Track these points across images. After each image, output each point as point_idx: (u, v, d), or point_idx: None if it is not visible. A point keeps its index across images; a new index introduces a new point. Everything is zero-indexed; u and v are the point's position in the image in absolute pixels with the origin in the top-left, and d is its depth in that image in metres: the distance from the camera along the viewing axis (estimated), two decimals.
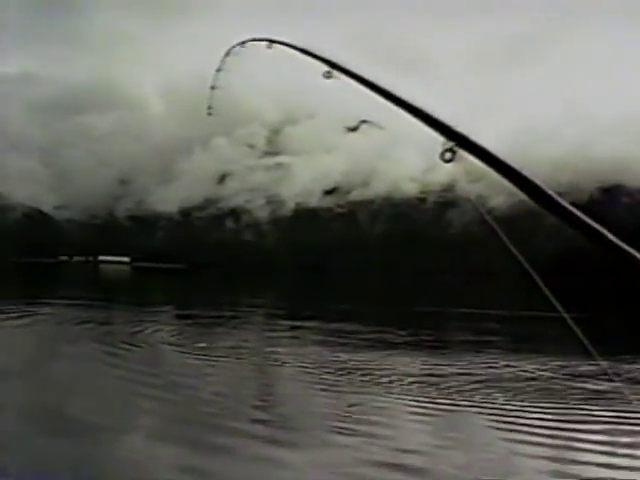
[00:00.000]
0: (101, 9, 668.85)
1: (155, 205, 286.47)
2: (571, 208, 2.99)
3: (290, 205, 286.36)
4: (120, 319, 37.50)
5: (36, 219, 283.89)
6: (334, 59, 4.13)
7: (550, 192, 3.03)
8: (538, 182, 3.11)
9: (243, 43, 5.31)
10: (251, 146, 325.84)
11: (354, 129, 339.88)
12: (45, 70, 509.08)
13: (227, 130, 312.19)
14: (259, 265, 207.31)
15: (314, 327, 31.97)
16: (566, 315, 3.27)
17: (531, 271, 3.45)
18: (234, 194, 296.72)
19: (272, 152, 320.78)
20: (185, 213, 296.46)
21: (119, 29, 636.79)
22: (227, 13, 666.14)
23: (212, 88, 6.07)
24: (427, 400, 15.72)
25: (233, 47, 5.45)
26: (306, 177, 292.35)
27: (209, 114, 6.15)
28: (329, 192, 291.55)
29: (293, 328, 32.22)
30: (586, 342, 3.24)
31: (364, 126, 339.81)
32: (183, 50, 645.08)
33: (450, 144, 3.51)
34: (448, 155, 3.44)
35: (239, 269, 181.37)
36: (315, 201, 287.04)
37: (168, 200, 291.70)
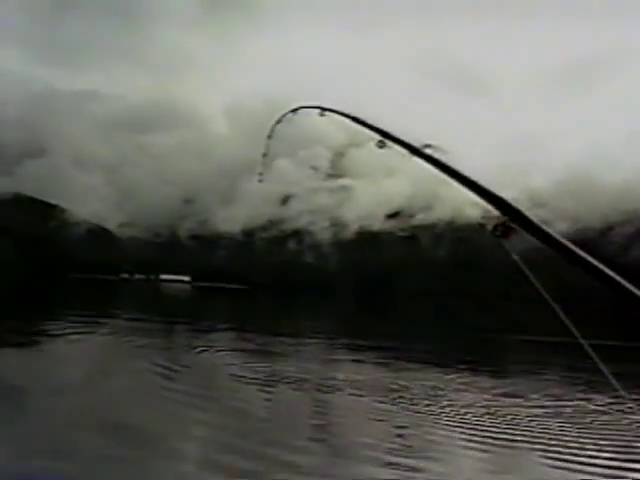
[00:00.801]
0: (166, 27, 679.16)
1: (218, 225, 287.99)
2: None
3: (353, 228, 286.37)
4: (179, 338, 37.63)
5: (100, 236, 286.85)
6: (385, 128, 4.10)
7: (617, 278, 2.91)
8: (600, 264, 2.97)
9: (294, 110, 5.33)
10: (315, 168, 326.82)
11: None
12: (110, 88, 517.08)
13: (291, 152, 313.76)
14: (321, 287, 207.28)
15: (374, 353, 31.73)
16: (584, 341, 3.20)
17: (550, 300, 3.37)
18: (297, 215, 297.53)
19: (335, 175, 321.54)
20: (248, 233, 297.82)
21: (184, 47, 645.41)
22: (294, 32, 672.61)
23: (263, 155, 6.12)
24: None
25: (284, 115, 5.47)
26: (369, 200, 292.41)
27: (260, 181, 6.17)
28: (392, 216, 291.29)
29: (353, 350, 32.05)
30: (605, 370, 3.13)
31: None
32: (248, 69, 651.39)
33: (503, 218, 3.32)
34: (500, 230, 3.22)
35: (300, 290, 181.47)
36: (378, 224, 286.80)
37: (231, 220, 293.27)
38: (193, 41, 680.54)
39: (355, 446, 13.30)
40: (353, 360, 27.80)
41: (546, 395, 21.30)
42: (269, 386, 20.63)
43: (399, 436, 14.37)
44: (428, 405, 17.76)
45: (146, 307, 74.79)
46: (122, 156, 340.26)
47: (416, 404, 17.92)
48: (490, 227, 3.35)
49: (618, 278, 2.91)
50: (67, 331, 33.17)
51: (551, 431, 15.87)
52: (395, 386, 21.00)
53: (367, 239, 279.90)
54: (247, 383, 21.09)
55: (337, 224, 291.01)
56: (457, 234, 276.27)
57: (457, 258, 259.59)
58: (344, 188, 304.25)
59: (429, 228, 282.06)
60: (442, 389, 20.84)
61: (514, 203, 3.32)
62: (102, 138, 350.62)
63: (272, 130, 5.31)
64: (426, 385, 21.17)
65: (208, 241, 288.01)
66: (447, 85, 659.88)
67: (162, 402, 17.51)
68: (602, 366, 3.08)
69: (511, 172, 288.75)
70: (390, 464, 12.14)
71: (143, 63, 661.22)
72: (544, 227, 3.15)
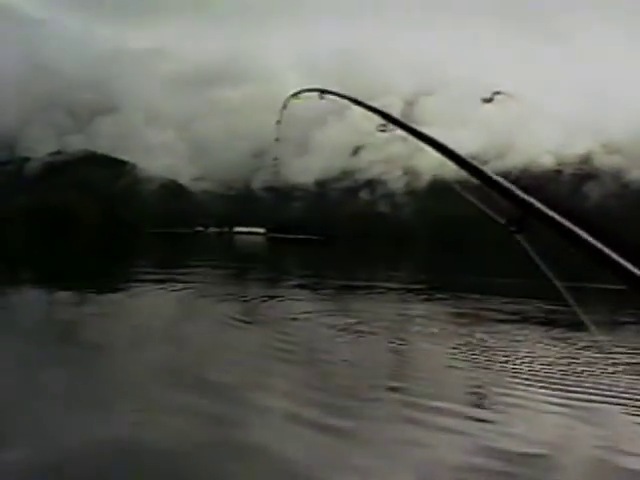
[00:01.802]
0: None
1: (291, 177, 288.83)
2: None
3: (426, 177, 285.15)
4: (254, 288, 37.81)
5: (173, 191, 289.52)
6: (387, 111, 3.92)
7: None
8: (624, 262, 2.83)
9: (296, 95, 5.31)
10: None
11: (489, 100, 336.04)
12: (182, 44, 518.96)
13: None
14: (395, 236, 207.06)
15: (449, 303, 31.45)
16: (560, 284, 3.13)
17: (546, 271, 3.18)
18: (369, 165, 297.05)
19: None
20: (321, 184, 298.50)
21: (253, 2, 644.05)
22: None
23: (276, 140, 6.02)
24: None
25: (287, 100, 5.42)
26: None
27: (275, 166, 6.08)
28: None
29: (426, 301, 31.88)
30: (584, 317, 3.04)
31: (499, 97, 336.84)
32: (320, 22, 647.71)
33: (518, 212, 3.13)
34: (515, 224, 3.05)
35: (374, 241, 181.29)
36: (451, 173, 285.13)
37: (304, 171, 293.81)
38: None
39: (430, 397, 13.23)
40: (428, 312, 27.54)
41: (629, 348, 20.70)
42: (347, 333, 20.58)
43: (475, 388, 14.24)
44: (506, 358, 17.50)
45: (221, 258, 75.37)
46: (193, 111, 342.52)
47: (493, 357, 17.71)
48: (504, 221, 3.12)
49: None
50: (146, 286, 33.53)
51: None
52: (471, 338, 20.78)
53: (441, 188, 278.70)
54: (326, 331, 21.09)
55: (410, 173, 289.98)
56: (531, 182, 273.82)
57: None
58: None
59: (503, 176, 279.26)
60: (520, 341, 20.48)
61: (527, 197, 3.13)
62: (172, 94, 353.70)
63: (281, 115, 5.24)
64: (506, 338, 20.85)
65: (281, 193, 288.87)
66: (526, 32, 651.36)
67: (238, 354, 17.60)
68: (578, 310, 3.08)
69: (587, 119, 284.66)
70: (464, 416, 12.08)
71: (210, 17, 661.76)
72: (560, 220, 3.01)
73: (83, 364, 15.25)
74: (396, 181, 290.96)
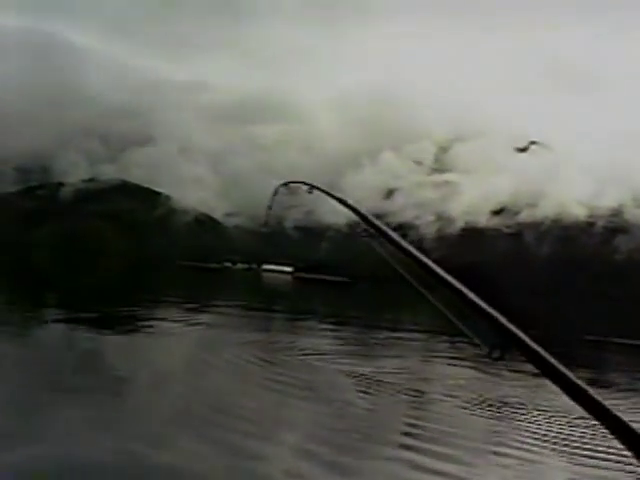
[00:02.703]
0: (275, 19, 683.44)
1: (323, 216, 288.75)
2: None
3: (458, 223, 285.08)
4: (280, 329, 37.81)
5: (206, 224, 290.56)
6: (368, 214, 3.96)
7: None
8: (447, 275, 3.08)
9: (285, 185, 5.45)
10: (419, 162, 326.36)
11: (523, 149, 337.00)
12: (218, 79, 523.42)
13: (396, 145, 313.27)
14: (423, 280, 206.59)
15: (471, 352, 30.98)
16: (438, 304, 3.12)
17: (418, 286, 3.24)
18: (401, 209, 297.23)
19: (440, 169, 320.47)
20: (352, 226, 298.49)
21: (292, 40, 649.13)
22: (396, 24, 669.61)
23: (265, 224, 6.19)
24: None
25: (278, 188, 5.57)
26: (474, 196, 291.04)
27: (264, 231, 6.18)
28: (497, 212, 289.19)
29: (451, 349, 31.61)
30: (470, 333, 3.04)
31: (533, 147, 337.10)
32: (354, 62, 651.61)
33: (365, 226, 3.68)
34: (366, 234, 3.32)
35: (403, 284, 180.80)
36: (483, 220, 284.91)
37: (336, 212, 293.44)
38: (302, 33, 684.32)
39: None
40: (451, 360, 27.34)
41: None
42: (370, 383, 20.40)
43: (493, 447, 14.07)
44: (536, 418, 17.16)
45: (247, 297, 75.51)
46: (228, 146, 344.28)
47: (522, 416, 17.42)
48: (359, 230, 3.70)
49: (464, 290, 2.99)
50: (172, 322, 33.57)
51: None
52: (487, 393, 20.52)
53: (472, 235, 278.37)
54: (348, 378, 20.94)
55: (442, 219, 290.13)
56: (562, 232, 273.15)
57: (561, 256, 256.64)
58: (448, 183, 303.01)
59: (534, 225, 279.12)
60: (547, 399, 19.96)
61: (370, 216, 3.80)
62: (208, 128, 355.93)
63: (272, 201, 5.36)
64: (531, 394, 20.30)
65: (312, 232, 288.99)
66: (558, 85, 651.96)
67: (260, 396, 17.55)
68: (461, 325, 3.08)
69: (618, 171, 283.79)
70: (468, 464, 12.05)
71: (252, 54, 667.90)
72: (392, 234, 3.66)
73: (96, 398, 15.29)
74: (427, 226, 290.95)
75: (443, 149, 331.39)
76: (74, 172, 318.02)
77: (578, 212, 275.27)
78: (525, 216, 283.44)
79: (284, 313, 51.89)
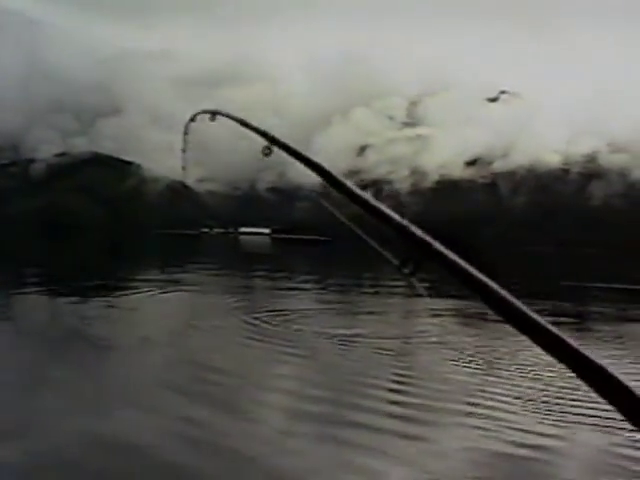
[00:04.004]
0: None
1: (296, 178, 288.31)
2: None
3: (432, 176, 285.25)
4: (261, 291, 37.86)
5: (179, 191, 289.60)
6: (271, 133, 3.86)
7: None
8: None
9: (193, 118, 5.25)
10: (390, 118, 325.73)
11: (494, 100, 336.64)
12: (182, 46, 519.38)
13: (366, 102, 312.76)
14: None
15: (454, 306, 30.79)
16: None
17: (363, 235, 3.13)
18: (375, 165, 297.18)
19: (412, 124, 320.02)
20: (326, 185, 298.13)
21: (258, 3, 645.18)
22: None
23: (183, 151, 5.90)
24: None
25: (187, 124, 5.38)
26: (447, 148, 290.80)
27: (183, 179, 5.86)
28: (471, 163, 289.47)
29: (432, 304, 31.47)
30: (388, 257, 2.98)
31: (504, 97, 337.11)
32: (324, 22, 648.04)
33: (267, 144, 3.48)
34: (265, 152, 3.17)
35: (378, 242, 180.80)
36: (458, 172, 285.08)
37: (309, 172, 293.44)
38: None
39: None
40: (433, 313, 27.28)
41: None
42: (352, 341, 20.36)
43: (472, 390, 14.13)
44: (518, 370, 17.06)
45: (226, 260, 75.61)
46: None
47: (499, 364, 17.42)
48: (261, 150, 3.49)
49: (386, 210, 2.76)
50: (151, 287, 33.49)
51: None
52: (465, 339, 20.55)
53: (447, 187, 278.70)
54: (328, 338, 20.91)
55: (416, 173, 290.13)
56: (537, 181, 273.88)
57: (536, 205, 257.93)
58: (421, 137, 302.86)
59: (509, 175, 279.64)
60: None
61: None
62: (177, 95, 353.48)
63: (184, 142, 5.14)
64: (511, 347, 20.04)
65: (286, 194, 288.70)
66: (528, 31, 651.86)
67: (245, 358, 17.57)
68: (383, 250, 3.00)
69: (591, 118, 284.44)
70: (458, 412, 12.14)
71: (213, 18, 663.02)
72: (295, 148, 3.34)
73: (88, 365, 15.33)
74: (402, 181, 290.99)
75: (414, 103, 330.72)
76: (46, 148, 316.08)
77: (552, 160, 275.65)
78: (499, 166, 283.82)
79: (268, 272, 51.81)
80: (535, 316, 2.25)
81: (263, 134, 3.64)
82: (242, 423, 11.32)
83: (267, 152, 3.55)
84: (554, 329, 2.16)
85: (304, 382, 14.70)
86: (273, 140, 3.57)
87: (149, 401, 12.51)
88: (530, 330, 2.24)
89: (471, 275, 2.42)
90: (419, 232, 2.66)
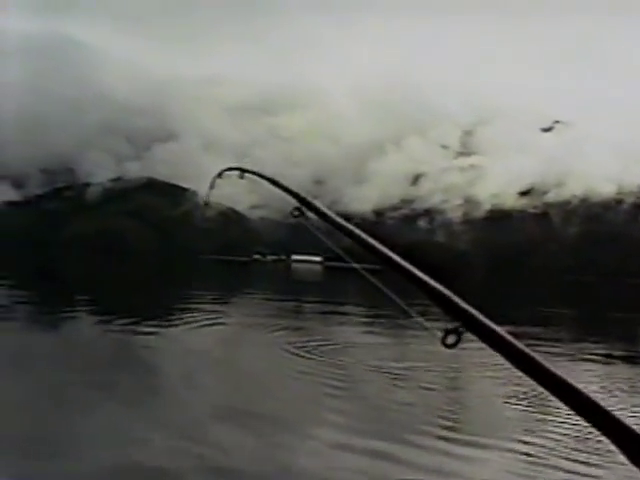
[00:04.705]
0: (288, 10, 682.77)
1: (349, 205, 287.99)
2: None
3: (484, 206, 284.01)
4: (311, 321, 37.76)
5: (231, 218, 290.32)
6: (303, 194, 3.71)
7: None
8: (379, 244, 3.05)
9: (219, 175, 5.25)
10: (444, 147, 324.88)
11: (548, 129, 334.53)
12: (237, 72, 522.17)
13: (419, 130, 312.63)
14: (452, 265, 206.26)
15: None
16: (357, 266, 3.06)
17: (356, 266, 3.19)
18: (428, 194, 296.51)
19: (466, 153, 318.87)
20: (378, 213, 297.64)
21: (307, 30, 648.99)
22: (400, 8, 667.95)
23: (205, 204, 5.90)
24: None
25: (214, 180, 5.36)
26: (500, 178, 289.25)
27: (205, 203, 5.78)
28: (524, 193, 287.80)
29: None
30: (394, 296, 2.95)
31: (558, 126, 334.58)
32: (368, 48, 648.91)
33: (298, 205, 3.51)
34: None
35: (431, 269, 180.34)
36: (510, 202, 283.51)
37: (362, 200, 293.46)
38: (316, 22, 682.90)
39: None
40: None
41: None
42: (404, 376, 20.19)
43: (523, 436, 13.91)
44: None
45: (278, 287, 75.75)
46: (250, 139, 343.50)
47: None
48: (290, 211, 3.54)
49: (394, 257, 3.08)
50: (202, 316, 33.49)
51: None
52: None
53: (499, 217, 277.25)
54: (378, 370, 20.77)
55: (469, 202, 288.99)
56: (590, 211, 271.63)
57: (589, 235, 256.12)
58: (475, 166, 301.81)
59: (561, 205, 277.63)
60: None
61: (303, 194, 3.69)
62: (230, 121, 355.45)
63: (208, 195, 5.13)
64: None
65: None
66: (578, 59, 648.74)
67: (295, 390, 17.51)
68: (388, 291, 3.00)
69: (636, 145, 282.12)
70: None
71: (267, 48, 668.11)
72: (325, 210, 3.57)
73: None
74: (454, 210, 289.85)
75: (468, 133, 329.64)
76: (100, 172, 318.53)
77: (606, 190, 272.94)
78: (553, 196, 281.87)
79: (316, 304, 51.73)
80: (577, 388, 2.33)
81: (295, 195, 3.53)
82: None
83: (297, 214, 3.43)
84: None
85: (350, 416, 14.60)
86: (304, 201, 3.46)
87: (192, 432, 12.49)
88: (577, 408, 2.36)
89: (514, 347, 2.50)
90: (462, 303, 2.66)
